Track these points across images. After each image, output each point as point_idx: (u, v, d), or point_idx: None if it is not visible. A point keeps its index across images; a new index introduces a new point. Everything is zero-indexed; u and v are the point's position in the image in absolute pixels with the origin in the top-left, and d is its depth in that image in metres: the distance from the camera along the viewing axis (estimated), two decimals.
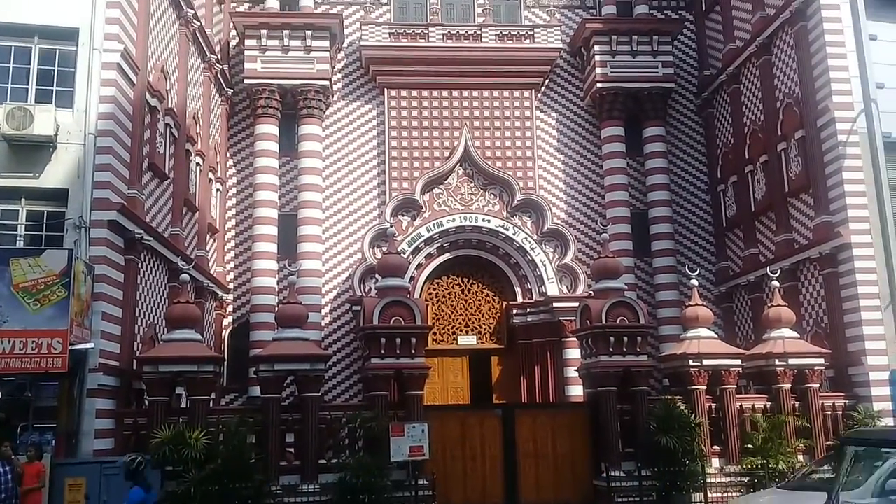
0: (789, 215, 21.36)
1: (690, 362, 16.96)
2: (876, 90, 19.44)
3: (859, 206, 18.85)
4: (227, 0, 25.54)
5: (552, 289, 23.10)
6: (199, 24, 21.39)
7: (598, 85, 24.91)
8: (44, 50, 15.85)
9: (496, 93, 25.61)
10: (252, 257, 24.00)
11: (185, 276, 16.68)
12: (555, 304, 22.66)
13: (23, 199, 15.44)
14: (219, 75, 23.92)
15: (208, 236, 22.71)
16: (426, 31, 25.38)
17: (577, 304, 19.71)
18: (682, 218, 26.07)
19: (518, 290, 23.96)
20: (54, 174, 15.44)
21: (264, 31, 24.05)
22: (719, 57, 25.16)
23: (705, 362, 16.98)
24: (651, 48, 25.13)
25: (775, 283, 18.55)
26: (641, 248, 25.08)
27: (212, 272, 22.70)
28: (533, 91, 25.85)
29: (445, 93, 25.49)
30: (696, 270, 19.89)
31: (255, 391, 19.63)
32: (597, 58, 24.97)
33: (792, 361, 17.30)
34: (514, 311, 23.66)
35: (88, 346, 14.55)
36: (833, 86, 19.28)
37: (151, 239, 17.19)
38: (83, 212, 15.28)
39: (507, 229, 23.58)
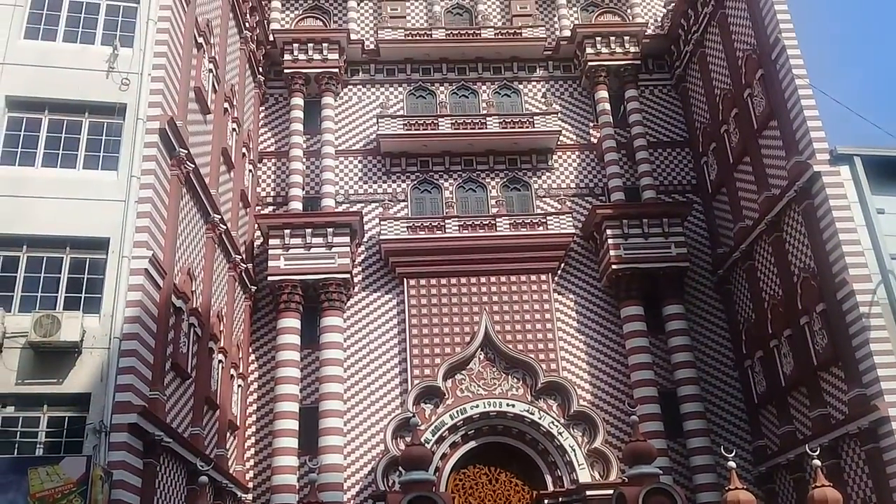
0: (822, 389, 20.82)
1: None
2: (891, 261, 19.64)
3: (892, 378, 18.38)
4: (252, 203, 26.86)
5: (584, 475, 22.27)
6: (224, 227, 22.34)
7: (613, 266, 25.33)
8: (75, 259, 16.50)
9: (513, 278, 26.05)
10: (272, 454, 23.49)
11: (203, 479, 16.25)
12: (588, 493, 21.75)
13: (45, 406, 15.42)
14: (243, 274, 24.62)
15: (229, 434, 22.36)
16: (442, 223, 26.32)
17: (611, 492, 18.87)
18: (712, 395, 25.49)
19: (548, 478, 23.13)
20: (78, 379, 15.52)
21: (287, 231, 25.08)
22: (731, 235, 25.69)
23: None
24: (662, 230, 25.78)
25: (817, 462, 17.63)
26: (673, 428, 24.32)
27: (231, 471, 22.13)
28: (550, 274, 26.28)
29: (464, 280, 25.97)
30: (732, 451, 19.09)
31: None
32: (609, 241, 25.58)
33: None
34: (546, 502, 22.65)
35: None
36: (847, 259, 19.41)
37: (171, 441, 16.93)
38: (104, 415, 15.19)
39: (532, 413, 23.18)
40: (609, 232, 25.73)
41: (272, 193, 27.87)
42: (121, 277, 16.27)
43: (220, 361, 22.01)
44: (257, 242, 26.73)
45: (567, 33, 29.94)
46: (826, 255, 20.19)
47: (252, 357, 25.52)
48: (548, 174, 28.39)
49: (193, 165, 19.56)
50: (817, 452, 17.98)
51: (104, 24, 18.89)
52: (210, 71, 22.58)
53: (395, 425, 22.62)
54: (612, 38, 29.05)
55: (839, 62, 63.66)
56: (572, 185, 28.28)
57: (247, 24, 26.94)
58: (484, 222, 26.47)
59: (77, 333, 15.33)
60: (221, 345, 22.06)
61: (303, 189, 27.16)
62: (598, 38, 29.05)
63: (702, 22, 27.74)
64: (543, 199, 27.94)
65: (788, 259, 22.26)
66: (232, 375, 23.16)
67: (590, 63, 28.94)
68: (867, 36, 67.71)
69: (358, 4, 30.94)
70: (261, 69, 28.86)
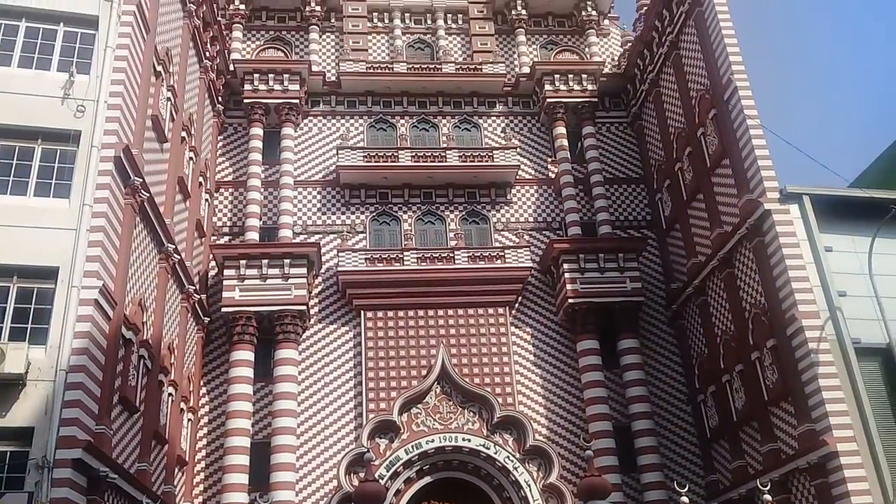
0: (772, 424, 21.10)
1: None
2: (839, 298, 20.12)
3: (840, 413, 18.74)
4: (208, 233, 26.50)
5: None
6: (178, 257, 21.96)
7: (570, 301, 25.48)
8: (22, 289, 16.07)
9: (471, 311, 26.01)
10: (222, 490, 22.88)
11: None
12: None
13: None
14: (196, 305, 24.20)
15: (177, 469, 21.80)
16: (401, 256, 26.26)
17: None
18: (666, 430, 25.64)
19: None
20: (21, 412, 15.04)
21: (243, 262, 24.73)
22: (684, 271, 26.09)
23: None
24: (618, 264, 26.06)
25: (768, 497, 17.90)
26: (627, 463, 24.34)
27: None
28: (507, 308, 26.32)
29: (421, 312, 25.85)
30: (685, 486, 19.26)
31: None
32: (566, 275, 25.75)
33: None
34: None
35: None
36: (797, 296, 19.85)
37: (117, 477, 16.41)
38: (48, 450, 14.73)
39: (488, 448, 23.10)
40: (566, 266, 25.93)
41: (228, 224, 27.57)
42: (69, 308, 15.90)
43: (169, 395, 21.49)
44: (212, 273, 26.32)
45: (526, 70, 30.39)
46: (776, 292, 20.61)
47: (203, 390, 24.99)
48: (506, 208, 28.60)
49: (148, 194, 19.28)
50: (768, 487, 18.24)
51: (61, 50, 18.77)
52: (168, 99, 22.38)
53: (349, 461, 22.33)
54: (571, 76, 29.59)
55: (791, 102, 65.74)
56: (530, 220, 28.53)
57: (207, 54, 26.82)
58: (442, 255, 26.48)
59: (22, 365, 14.91)
60: (172, 377, 21.57)
61: (260, 219, 26.91)
62: (557, 76, 29.54)
63: (657, 62, 28.42)
64: (502, 232, 28.11)
65: (740, 295, 22.66)
66: (182, 409, 22.64)
67: (548, 99, 29.39)
68: (818, 77, 70.14)
69: (320, 37, 31.07)
70: (220, 98, 28.70)
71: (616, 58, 32.10)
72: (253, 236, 26.26)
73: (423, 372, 24.66)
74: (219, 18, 28.10)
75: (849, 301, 20.23)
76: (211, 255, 25.94)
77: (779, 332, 20.41)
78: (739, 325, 22.51)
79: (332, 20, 31.49)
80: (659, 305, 27.53)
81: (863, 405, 19.06)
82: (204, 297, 25.24)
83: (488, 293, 26.13)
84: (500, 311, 26.21)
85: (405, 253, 26.37)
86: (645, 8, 30.54)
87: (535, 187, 29.19)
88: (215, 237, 27.02)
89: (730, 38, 23.52)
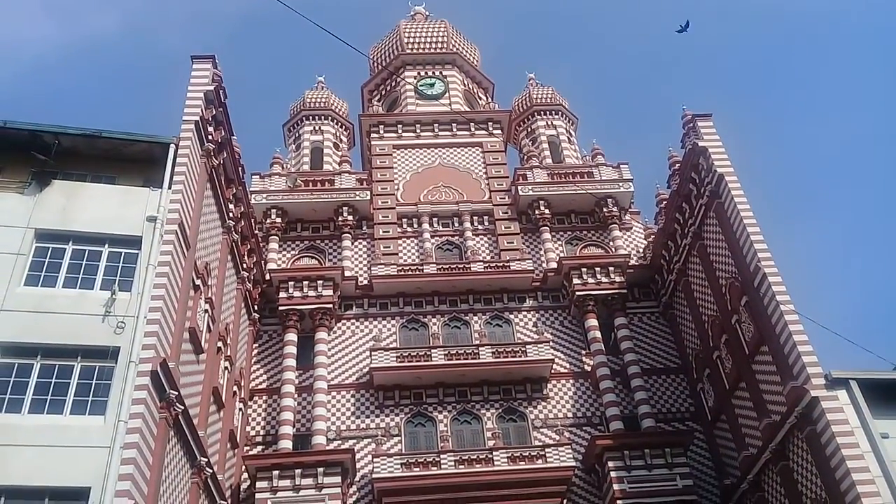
0: None
1: None
2: None
3: None
4: (241, 443, 25.96)
5: None
6: (211, 471, 21.37)
7: (619, 502, 24.09)
8: None
9: None
10: None
11: None
12: None
13: None
14: None
15: None
16: (437, 459, 25.37)
17: None
18: None
19: None
20: None
21: (276, 472, 24.03)
22: (736, 465, 24.82)
23: None
24: (665, 460, 24.89)
25: None
26: None
27: None
28: None
29: None
30: None
31: None
32: (612, 474, 24.59)
33: None
34: None
35: None
36: (859, 488, 18.60)
37: None
38: None
39: None
40: (611, 464, 24.81)
41: (262, 432, 27.08)
42: None
43: None
44: (244, 486, 25.46)
45: (553, 265, 30.88)
46: (837, 485, 19.37)
47: None
48: (543, 404, 27.94)
49: (183, 407, 19.12)
50: None
51: (105, 269, 19.34)
52: (206, 311, 22.84)
53: None
54: (598, 269, 29.92)
55: (824, 282, 65.71)
56: (569, 415, 27.73)
57: (244, 265, 27.73)
58: (480, 456, 25.54)
59: None
60: None
61: (293, 427, 26.45)
62: (584, 270, 29.90)
63: (682, 252, 28.81)
64: (541, 429, 27.23)
65: (799, 489, 21.32)
66: None
67: (577, 293, 29.57)
68: (849, 255, 70.56)
69: (352, 244, 32.16)
70: (256, 307, 29.29)
71: (641, 250, 32.65)
72: (286, 445, 25.70)
73: None
74: (256, 232, 29.34)
75: None
76: (244, 467, 25.26)
77: None
78: None
79: (364, 227, 32.77)
80: None
81: None
82: None
83: (531, 496, 24.82)
84: None
85: (442, 455, 25.48)
86: (664, 202, 31.53)
87: (571, 381, 28.67)
88: (248, 447, 26.45)
89: (752, 227, 23.83)
